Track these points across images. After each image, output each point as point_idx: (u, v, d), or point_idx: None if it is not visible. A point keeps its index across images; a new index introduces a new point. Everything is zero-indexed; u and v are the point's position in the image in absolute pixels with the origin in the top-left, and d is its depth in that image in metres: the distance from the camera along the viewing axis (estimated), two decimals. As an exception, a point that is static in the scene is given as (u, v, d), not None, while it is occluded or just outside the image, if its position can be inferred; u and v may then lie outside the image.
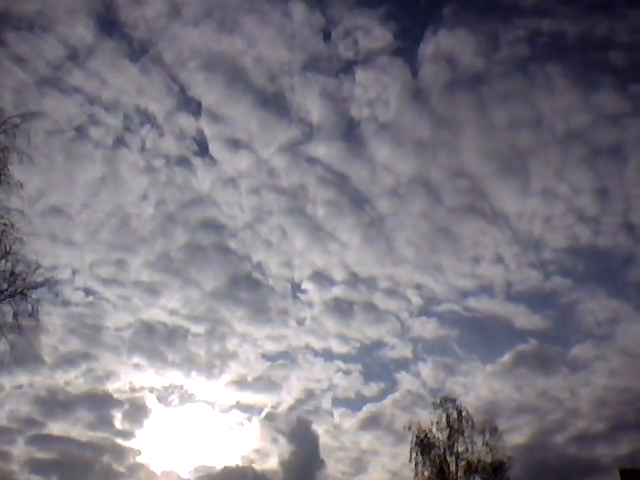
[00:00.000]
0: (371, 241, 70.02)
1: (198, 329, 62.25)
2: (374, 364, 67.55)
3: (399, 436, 56.37)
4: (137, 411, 57.80)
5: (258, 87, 68.88)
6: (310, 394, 62.75)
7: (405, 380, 64.33)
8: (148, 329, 61.26)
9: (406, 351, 65.35)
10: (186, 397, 61.00)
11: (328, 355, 65.33)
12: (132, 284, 62.13)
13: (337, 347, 65.02)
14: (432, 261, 69.82)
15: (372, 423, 60.42)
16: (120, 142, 65.44)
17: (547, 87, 70.77)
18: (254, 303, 65.30)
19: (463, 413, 34.43)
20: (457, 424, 34.21)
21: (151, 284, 62.76)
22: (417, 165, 71.90)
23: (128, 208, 64.70)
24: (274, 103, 69.00)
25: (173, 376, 60.73)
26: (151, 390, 60.69)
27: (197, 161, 68.87)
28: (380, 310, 66.75)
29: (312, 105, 70.57)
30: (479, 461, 33.39)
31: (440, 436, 34.05)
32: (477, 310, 67.83)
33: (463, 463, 33.59)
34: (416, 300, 67.30)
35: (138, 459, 54.64)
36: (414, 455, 33.65)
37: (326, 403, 62.42)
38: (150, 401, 58.53)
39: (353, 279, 67.34)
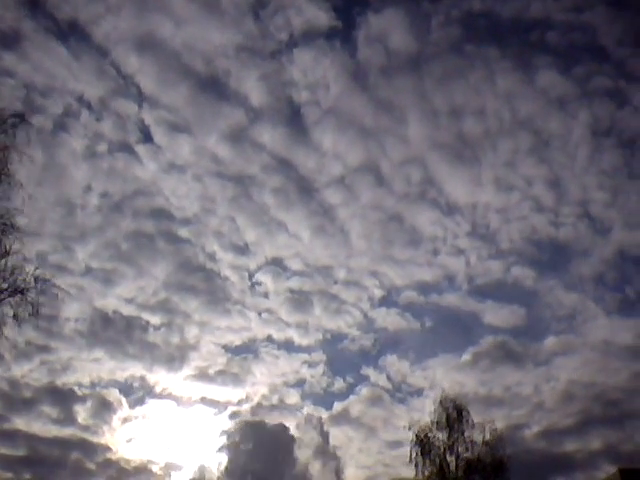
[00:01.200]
0: (323, 231, 69.98)
1: (155, 319, 61.70)
2: (339, 357, 67.80)
3: (369, 431, 56.83)
4: (102, 406, 57.57)
5: (194, 70, 67.59)
6: (276, 388, 62.99)
7: (372, 374, 64.83)
8: (104, 319, 60.52)
9: (369, 343, 66.14)
10: (149, 391, 60.85)
11: (291, 347, 65.56)
12: (83, 272, 61.33)
13: (299, 339, 65.23)
14: (389, 252, 69.93)
15: (341, 418, 61.08)
16: (61, 128, 64.03)
17: (486, 70, 71.17)
18: (210, 293, 64.94)
19: (463, 413, 34.41)
20: (457, 424, 34.18)
21: (103, 272, 61.93)
22: (364, 153, 71.54)
23: (73, 199, 63.52)
24: (213, 87, 68.84)
25: (134, 369, 60.03)
26: (113, 384, 59.78)
27: (140, 148, 67.54)
28: (340, 300, 67.10)
29: (252, 89, 69.64)
30: (479, 461, 33.37)
31: (440, 436, 34.05)
32: (441, 303, 69.09)
33: (463, 463, 33.56)
34: (377, 291, 67.67)
35: (108, 455, 54.71)
36: (414, 455, 33.67)
37: (294, 398, 62.69)
38: (113, 396, 58.12)
39: (309, 269, 67.68)
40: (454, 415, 34.43)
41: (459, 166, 71.92)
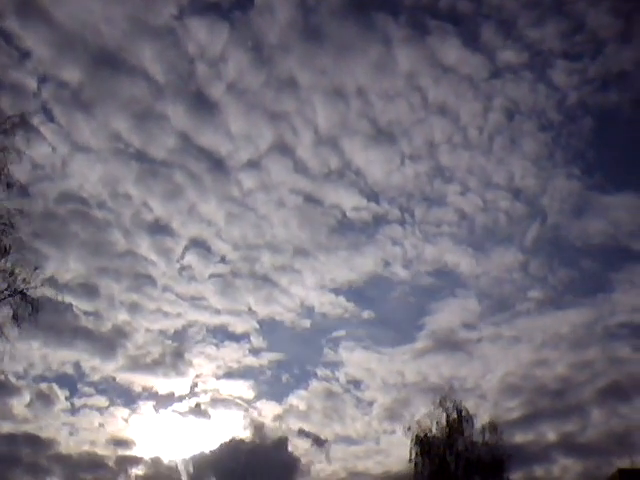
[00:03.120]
0: (241, 216, 67.46)
1: (83, 305, 58.47)
2: (280, 345, 66.25)
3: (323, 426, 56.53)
4: (39, 398, 56.02)
5: (89, 43, 62.63)
6: (219, 379, 61.09)
7: (318, 365, 63.75)
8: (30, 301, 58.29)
9: (307, 329, 64.13)
10: (86, 380, 58.62)
11: (229, 335, 63.54)
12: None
13: (234, 326, 63.00)
14: (316, 238, 68.24)
15: (294, 412, 59.92)
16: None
17: (384, 41, 68.95)
18: (136, 277, 62.45)
19: (463, 413, 34.45)
20: (457, 424, 34.20)
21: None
22: (274, 133, 69.09)
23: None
24: (112, 61, 63.78)
25: (69, 357, 57.66)
26: (50, 373, 58.01)
27: (43, 127, 59.87)
28: (271, 285, 65.07)
29: (152, 62, 65.78)
30: (479, 460, 33.40)
31: (440, 435, 34.04)
32: (378, 291, 68.08)
33: (463, 463, 33.58)
34: (311, 277, 66.12)
35: (58, 449, 53.17)
36: (414, 454, 33.67)
37: (242, 391, 61.09)
38: (49, 386, 56.63)
39: (234, 254, 65.45)
40: (454, 415, 34.47)
41: (376, 151, 70.13)
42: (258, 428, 53.68)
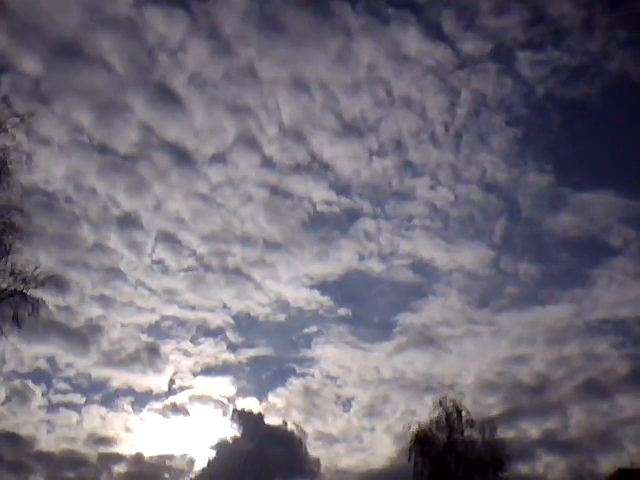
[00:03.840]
0: (209, 211, 67.06)
1: (54, 299, 57.42)
2: (257, 341, 65.29)
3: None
4: (18, 396, 55.71)
5: (46, 33, 62.51)
6: (199, 376, 60.25)
7: (297, 360, 62.70)
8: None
9: (283, 325, 63.62)
10: (61, 376, 57.82)
11: (207, 331, 62.75)
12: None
13: (210, 321, 62.35)
14: (288, 232, 67.22)
15: (275, 410, 59.43)
16: None
17: (344, 31, 68.45)
18: (107, 271, 61.59)
19: (463, 412, 34.44)
20: (457, 424, 34.19)
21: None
22: (238, 126, 68.54)
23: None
24: (70, 52, 62.92)
25: (43, 352, 56.97)
26: (23, 369, 57.29)
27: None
28: (245, 278, 64.35)
29: (111, 53, 64.44)
30: (479, 460, 33.39)
31: (440, 435, 34.05)
32: (354, 285, 67.67)
33: (463, 463, 33.57)
34: (285, 271, 65.51)
35: (37, 447, 52.87)
36: (414, 455, 33.63)
37: (222, 388, 60.31)
38: (24, 382, 55.99)
39: (208, 249, 64.84)
40: (454, 415, 34.44)
41: (343, 145, 70.05)
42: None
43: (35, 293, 19.23)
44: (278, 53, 69.27)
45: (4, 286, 18.91)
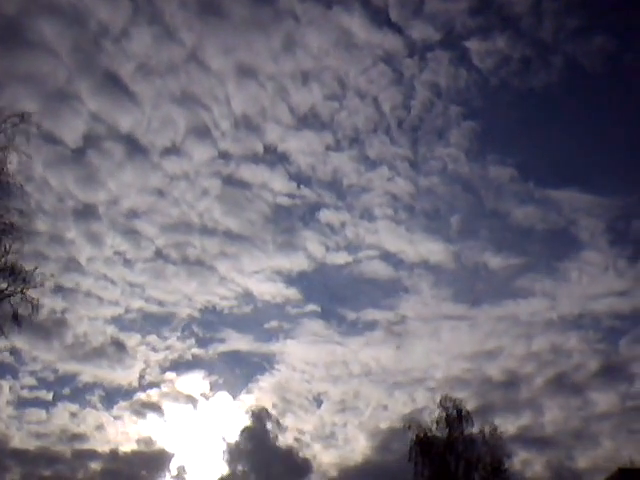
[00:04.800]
0: (167, 203, 62.73)
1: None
2: (222, 334, 61.69)
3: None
4: None
5: None
6: (169, 372, 57.39)
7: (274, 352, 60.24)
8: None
9: (250, 318, 61.30)
10: (28, 370, 55.16)
11: (172, 324, 59.15)
12: None
13: (175, 314, 58.98)
14: (250, 224, 64.10)
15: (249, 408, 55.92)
16: None
17: (290, 17, 64.04)
18: (66, 263, 57.44)
19: (463, 412, 34.47)
20: (457, 423, 34.23)
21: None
22: (190, 117, 64.91)
23: None
24: (12, 37, 56.02)
25: (6, 345, 55.63)
26: None
27: None
28: (209, 271, 61.56)
29: (56, 39, 59.39)
30: (479, 460, 33.44)
31: (440, 435, 34.08)
32: (325, 278, 64.65)
33: (463, 463, 33.62)
34: (250, 264, 62.20)
35: (14, 445, 50.76)
36: (414, 454, 33.67)
37: (194, 384, 57.73)
38: None
39: (170, 241, 61.40)
40: (454, 415, 34.48)
41: (300, 137, 65.81)
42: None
43: (34, 293, 19.24)
44: (222, 41, 66.25)
45: (4, 286, 18.93)
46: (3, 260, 18.66)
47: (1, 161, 18.36)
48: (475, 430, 34.16)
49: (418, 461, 33.57)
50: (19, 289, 19.13)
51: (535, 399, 50.01)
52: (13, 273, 18.94)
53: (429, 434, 34.03)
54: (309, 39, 65.98)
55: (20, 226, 18.83)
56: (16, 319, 19.17)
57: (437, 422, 34.27)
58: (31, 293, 19.20)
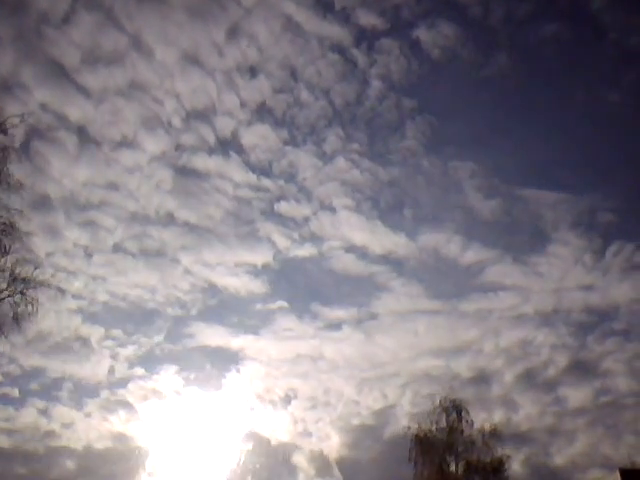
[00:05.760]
0: (124, 195, 59.00)
1: None
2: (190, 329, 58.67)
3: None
4: None
5: None
6: (138, 367, 54.92)
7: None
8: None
9: (216, 312, 58.68)
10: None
11: (140, 318, 57.20)
12: None
13: (141, 306, 55.98)
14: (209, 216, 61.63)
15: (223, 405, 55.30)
16: None
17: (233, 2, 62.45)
18: (23, 255, 59.13)
19: (463, 413, 34.49)
20: (457, 424, 34.24)
21: None
22: (141, 107, 60.77)
23: None
24: None
25: None
26: None
27: None
28: (170, 261, 58.91)
29: None
30: (478, 461, 33.43)
31: (440, 436, 34.07)
32: (291, 270, 62.58)
33: (462, 463, 33.62)
34: (213, 256, 60.19)
35: None
36: (414, 455, 33.67)
37: (166, 380, 54.82)
38: None
39: (130, 232, 58.15)
40: (454, 415, 34.51)
41: (255, 130, 62.59)
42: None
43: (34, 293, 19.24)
44: (164, 29, 65.67)
45: (4, 286, 18.93)
46: (3, 260, 18.67)
47: (1, 161, 18.35)
48: (475, 430, 34.28)
49: (418, 461, 33.59)
50: (19, 289, 19.12)
51: (507, 395, 49.35)
52: (13, 273, 18.94)
53: (429, 434, 34.06)
54: (256, 27, 63.74)
55: (19, 226, 18.81)
56: (16, 319, 19.16)
57: (437, 423, 34.34)
58: (32, 294, 19.17)
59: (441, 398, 34.95)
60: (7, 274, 19.16)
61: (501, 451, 33.60)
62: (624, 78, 66.07)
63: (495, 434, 33.94)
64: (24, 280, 19.15)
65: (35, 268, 19.42)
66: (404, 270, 62.65)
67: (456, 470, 33.57)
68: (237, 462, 48.89)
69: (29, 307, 19.38)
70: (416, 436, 34.01)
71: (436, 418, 34.47)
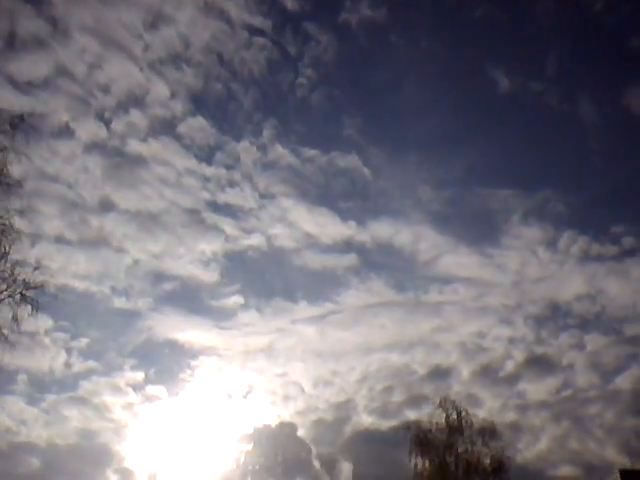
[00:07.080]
0: (63, 183, 60.78)
1: None
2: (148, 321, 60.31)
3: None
4: None
5: None
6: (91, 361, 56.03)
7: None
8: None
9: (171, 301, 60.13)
10: None
11: (93, 309, 57.99)
12: None
13: (91, 295, 57.22)
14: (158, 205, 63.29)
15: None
16: None
17: None
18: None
19: (463, 413, 34.46)
20: (457, 424, 34.20)
21: None
22: (69, 94, 61.65)
23: None
24: None
25: None
26: None
27: None
28: (115, 252, 60.12)
29: None
30: (478, 461, 33.41)
31: (440, 436, 34.04)
32: (245, 262, 63.69)
33: (462, 463, 33.59)
34: (158, 244, 61.58)
35: None
36: (414, 455, 33.66)
37: (127, 374, 56.31)
38: None
39: (69, 220, 58.85)
40: (454, 415, 34.48)
41: (188, 122, 65.30)
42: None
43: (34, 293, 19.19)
44: (84, 15, 64.21)
45: (4, 287, 18.89)
46: (2, 261, 18.63)
47: (1, 162, 18.31)
48: (475, 430, 34.22)
49: (418, 462, 33.60)
50: (19, 290, 19.08)
51: (467, 390, 49.44)
52: (12, 274, 18.91)
53: (429, 435, 34.02)
54: (179, 14, 63.66)
55: (19, 227, 18.77)
56: (16, 319, 19.12)
57: (437, 423, 34.30)
58: (32, 294, 19.13)
59: (441, 398, 35.00)
60: (7, 274, 19.08)
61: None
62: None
63: (495, 434, 33.99)
64: (24, 281, 19.09)
65: (35, 268, 19.33)
66: (357, 261, 62.64)
67: (456, 470, 33.55)
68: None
69: (29, 307, 19.30)
70: (416, 436, 34.00)
71: (436, 418, 34.51)
